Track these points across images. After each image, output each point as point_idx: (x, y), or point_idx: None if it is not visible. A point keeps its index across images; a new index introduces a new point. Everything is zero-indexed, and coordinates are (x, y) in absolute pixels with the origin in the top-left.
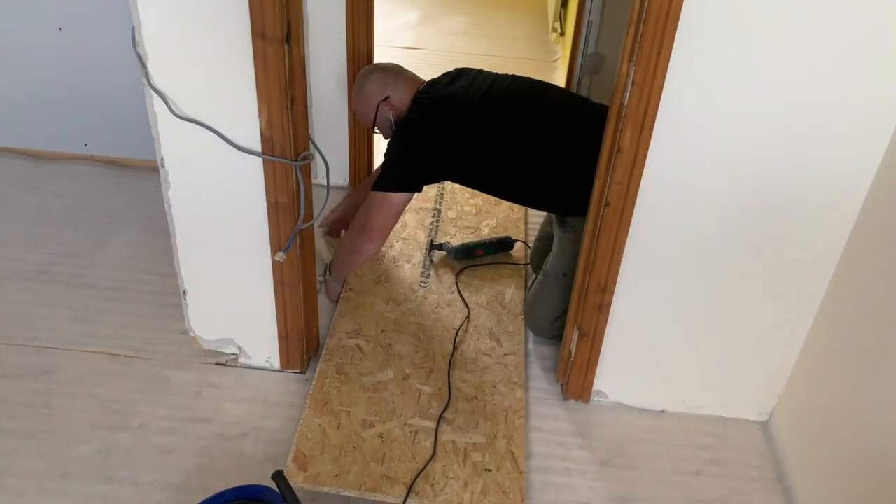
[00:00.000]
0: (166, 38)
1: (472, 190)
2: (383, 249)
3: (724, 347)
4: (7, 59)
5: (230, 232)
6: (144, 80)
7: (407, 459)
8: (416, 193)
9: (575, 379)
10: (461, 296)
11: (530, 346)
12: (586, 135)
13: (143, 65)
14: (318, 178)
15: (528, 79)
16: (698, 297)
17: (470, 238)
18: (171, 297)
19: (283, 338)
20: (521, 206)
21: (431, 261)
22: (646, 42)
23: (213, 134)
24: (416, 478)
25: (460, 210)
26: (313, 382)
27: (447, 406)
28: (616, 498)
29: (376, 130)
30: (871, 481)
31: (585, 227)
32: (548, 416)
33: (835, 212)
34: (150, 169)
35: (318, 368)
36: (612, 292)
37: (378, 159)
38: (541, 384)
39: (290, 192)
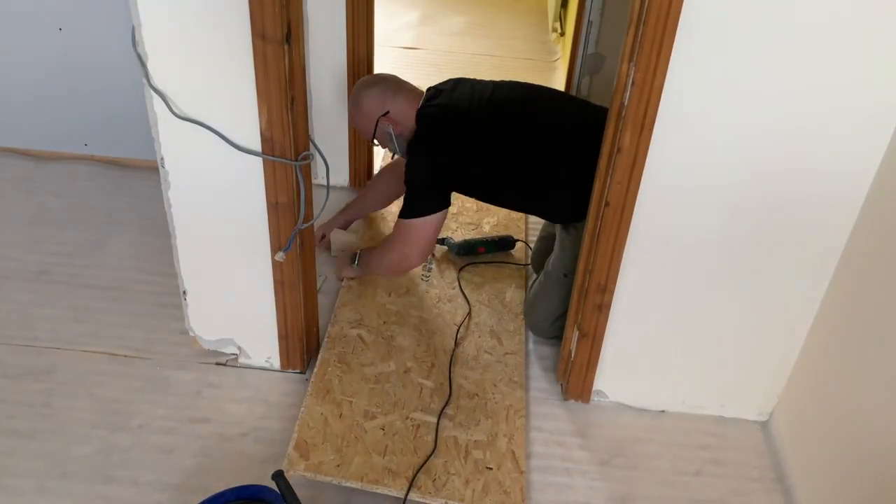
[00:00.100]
0: (166, 38)
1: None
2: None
3: (724, 347)
4: (7, 59)
5: (230, 232)
6: (144, 80)
7: (409, 453)
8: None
9: (575, 379)
10: (463, 292)
11: (530, 345)
12: (590, 139)
13: (143, 65)
14: (318, 178)
15: (526, 84)
16: (698, 296)
17: (472, 235)
18: (171, 297)
19: (283, 338)
20: None
21: (433, 254)
22: (646, 42)
23: (213, 134)
24: (417, 472)
25: (461, 206)
26: (315, 370)
27: (448, 402)
28: (616, 498)
29: (376, 143)
30: (871, 481)
31: (585, 227)
32: (548, 416)
33: (835, 212)
34: (150, 169)
35: (319, 357)
36: (612, 292)
37: (378, 159)
38: (541, 384)
39: (290, 192)
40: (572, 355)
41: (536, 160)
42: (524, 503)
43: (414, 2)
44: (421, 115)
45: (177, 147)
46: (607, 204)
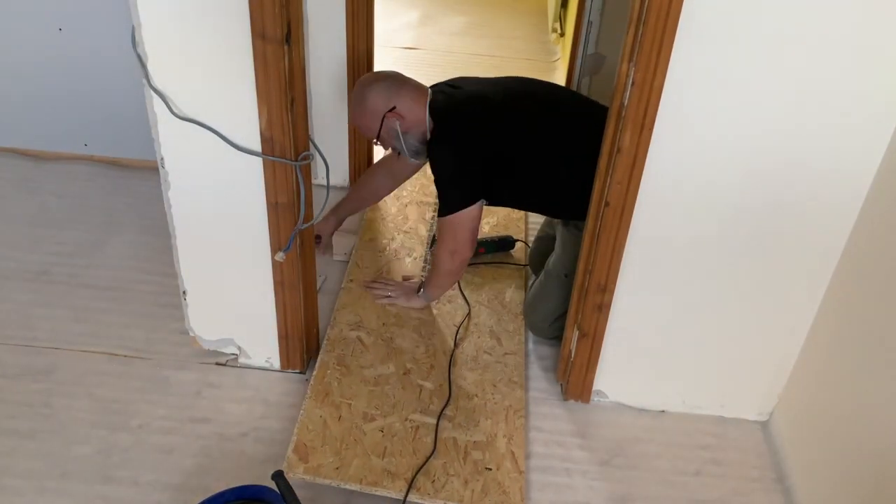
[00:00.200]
0: (166, 38)
1: None
2: (385, 242)
3: (724, 347)
4: (7, 59)
5: (230, 232)
6: (144, 80)
7: (408, 455)
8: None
9: (575, 379)
10: (462, 293)
11: (530, 345)
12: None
13: (143, 65)
14: (318, 178)
15: (531, 79)
16: (698, 297)
17: None
18: (171, 297)
19: (283, 338)
20: None
21: (433, 254)
22: (646, 42)
23: (213, 134)
24: (416, 473)
25: None
26: (314, 373)
27: (448, 403)
28: (616, 498)
29: (377, 142)
30: (871, 481)
31: (585, 227)
32: (548, 416)
33: (835, 212)
34: (150, 169)
35: (318, 359)
36: (612, 292)
37: (378, 159)
38: (541, 384)
39: (290, 192)
40: (572, 355)
41: (547, 155)
42: (523, 503)
43: (414, 2)
44: (435, 110)
45: (177, 147)
46: (607, 204)
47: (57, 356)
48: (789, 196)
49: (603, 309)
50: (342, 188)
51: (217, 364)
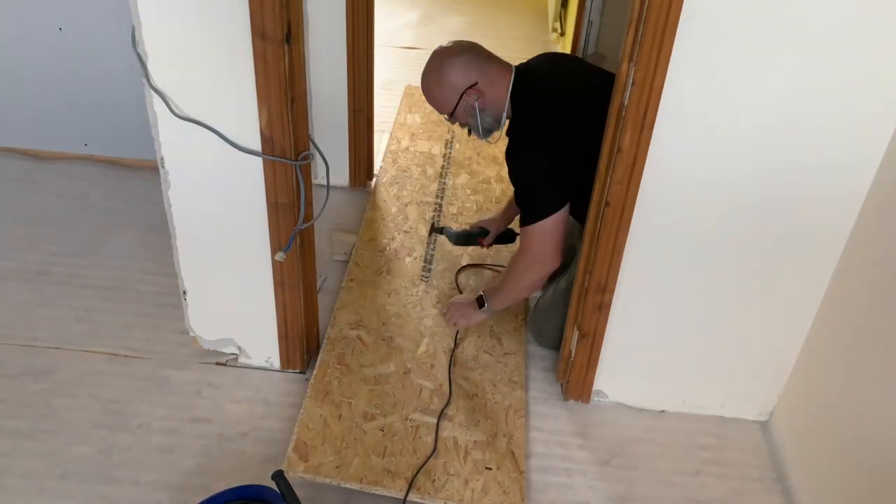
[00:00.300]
0: (166, 38)
1: (472, 187)
2: (385, 241)
3: (724, 347)
4: (7, 59)
5: (230, 232)
6: (144, 80)
7: (408, 454)
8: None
9: (575, 379)
10: (461, 292)
11: (530, 345)
12: None
13: (143, 65)
14: (318, 178)
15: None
16: (698, 297)
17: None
18: (171, 297)
19: (283, 338)
20: None
21: (432, 244)
22: (646, 42)
23: (213, 134)
24: (417, 473)
25: (461, 206)
26: (314, 372)
27: (448, 402)
28: (616, 498)
29: (448, 118)
30: (871, 481)
31: (586, 227)
32: (548, 416)
33: (835, 212)
34: (150, 169)
35: (318, 358)
36: (612, 292)
37: (378, 159)
38: (541, 384)
39: (290, 192)
40: (572, 355)
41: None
42: (523, 503)
43: (414, 2)
44: (522, 92)
45: (177, 147)
46: (607, 204)
47: (57, 356)
48: (789, 196)
49: (603, 309)
50: (342, 188)
51: (217, 364)
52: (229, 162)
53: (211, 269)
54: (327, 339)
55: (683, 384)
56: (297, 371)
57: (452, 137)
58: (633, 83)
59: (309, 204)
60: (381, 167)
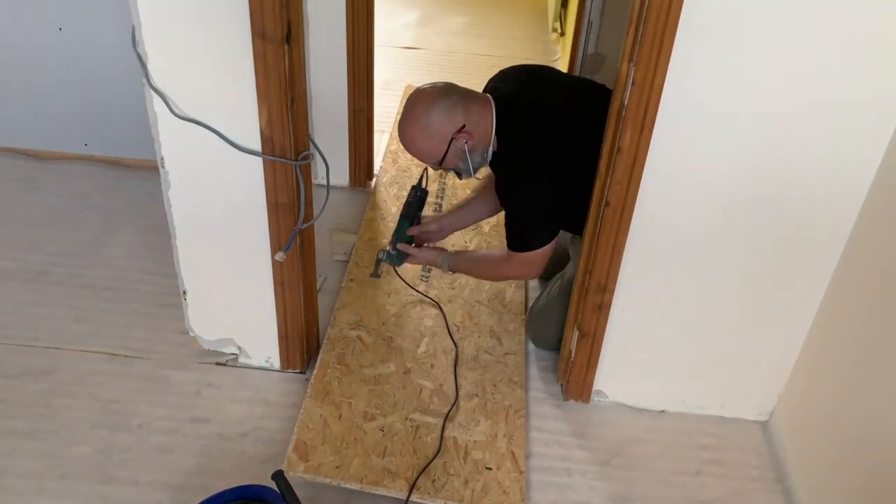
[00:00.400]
0: (166, 38)
1: (472, 187)
2: (385, 241)
3: (724, 347)
4: (7, 59)
5: (230, 232)
6: (144, 80)
7: (408, 454)
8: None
9: (575, 379)
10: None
11: (530, 345)
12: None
13: (143, 65)
14: (318, 178)
15: (549, 70)
16: (698, 296)
17: (467, 238)
18: (171, 297)
19: (283, 338)
20: None
21: (378, 271)
22: (646, 42)
23: (213, 134)
24: (419, 474)
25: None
26: (314, 372)
27: (455, 404)
28: (616, 498)
29: (437, 167)
30: (870, 481)
31: (586, 227)
32: (548, 416)
33: (835, 213)
34: (150, 169)
35: (319, 358)
36: (612, 292)
37: (378, 160)
38: (541, 384)
39: (290, 192)
40: (572, 355)
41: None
42: (523, 503)
43: (414, 2)
44: (503, 123)
45: (177, 147)
46: (607, 204)
47: (57, 356)
48: (790, 196)
49: (603, 309)
50: (342, 188)
51: (217, 364)
52: (229, 162)
53: (211, 270)
54: (327, 339)
55: (683, 384)
56: (297, 371)
57: None
58: (633, 83)
59: (309, 204)
60: (381, 167)
